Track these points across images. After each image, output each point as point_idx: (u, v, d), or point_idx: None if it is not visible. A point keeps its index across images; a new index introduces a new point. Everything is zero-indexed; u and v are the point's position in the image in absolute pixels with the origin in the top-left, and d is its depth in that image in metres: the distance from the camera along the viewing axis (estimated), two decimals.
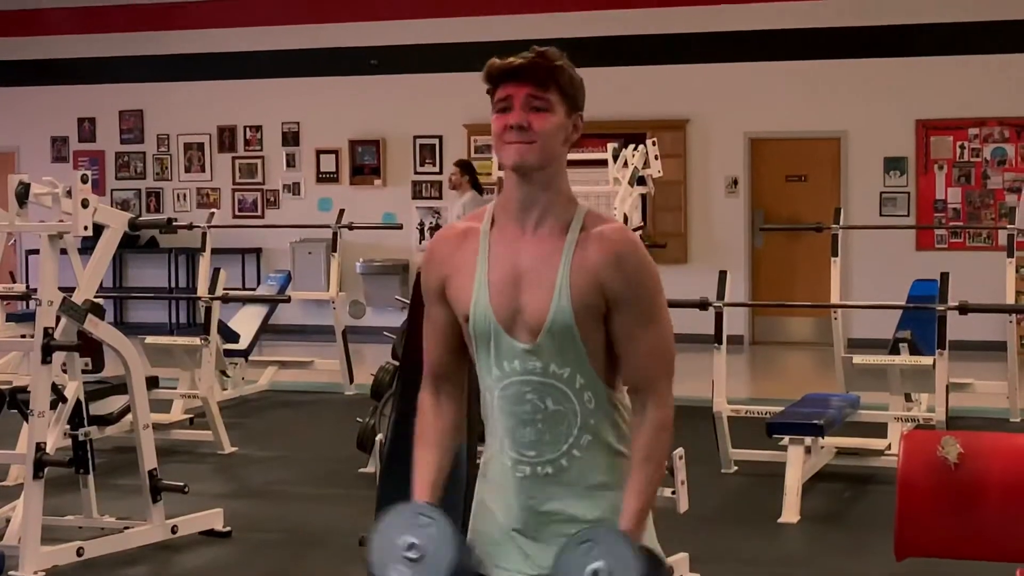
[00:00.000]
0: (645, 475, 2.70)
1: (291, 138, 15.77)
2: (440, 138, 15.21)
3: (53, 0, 15.99)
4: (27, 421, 5.97)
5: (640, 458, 2.71)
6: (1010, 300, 10.28)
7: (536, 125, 2.67)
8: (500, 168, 2.71)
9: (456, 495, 2.89)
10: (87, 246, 6.70)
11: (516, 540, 2.78)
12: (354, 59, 15.26)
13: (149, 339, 9.84)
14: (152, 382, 8.27)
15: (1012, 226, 10.74)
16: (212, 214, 11.87)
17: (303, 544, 6.81)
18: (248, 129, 15.93)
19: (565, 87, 2.70)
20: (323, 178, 15.67)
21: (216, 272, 9.69)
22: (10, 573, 5.83)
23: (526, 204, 2.73)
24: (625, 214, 9.40)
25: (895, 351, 8.75)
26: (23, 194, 6.41)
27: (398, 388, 4.39)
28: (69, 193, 6.11)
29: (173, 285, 16.00)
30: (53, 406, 6.01)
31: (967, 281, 9.55)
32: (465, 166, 13.10)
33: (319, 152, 15.68)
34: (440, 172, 15.18)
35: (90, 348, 7.35)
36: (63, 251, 6.20)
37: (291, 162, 15.79)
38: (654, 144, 10.10)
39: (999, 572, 4.28)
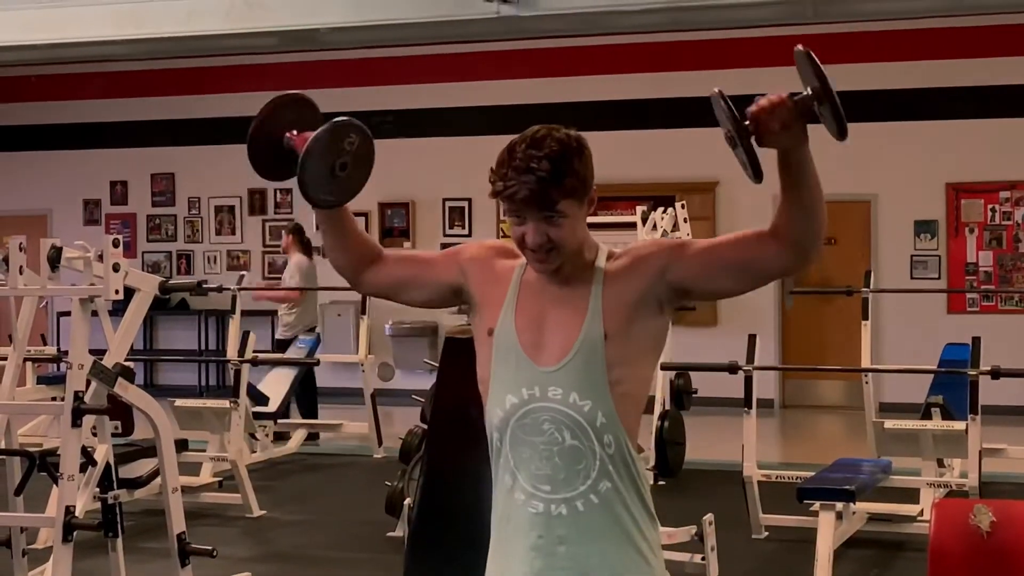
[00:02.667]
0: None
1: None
2: (469, 201, 15.26)
3: (86, 65, 16.14)
4: (56, 484, 5.97)
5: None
6: None
7: (554, 236, 2.67)
8: None
9: (485, 554, 2.85)
10: (118, 309, 6.72)
11: None
12: (382, 122, 15.34)
13: (179, 402, 9.86)
14: (181, 445, 8.28)
15: None
16: (242, 276, 11.93)
17: None
18: (279, 192, 16.02)
19: (573, 190, 2.67)
20: None
21: (246, 335, 9.71)
22: None
23: (554, 272, 2.76)
24: None
25: (927, 416, 8.69)
26: (55, 258, 6.44)
27: (426, 452, 4.38)
28: (100, 257, 6.13)
29: (203, 347, 16.04)
30: (83, 469, 6.01)
31: (999, 345, 9.51)
32: (296, 230, 13.06)
33: None
34: (470, 234, 15.23)
35: (120, 411, 7.35)
36: (94, 314, 6.22)
37: None
38: (683, 207, 10.11)
39: None
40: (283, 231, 13.53)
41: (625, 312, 2.68)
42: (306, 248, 12.76)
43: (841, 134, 2.57)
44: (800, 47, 2.53)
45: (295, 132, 2.87)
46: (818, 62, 2.51)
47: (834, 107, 2.54)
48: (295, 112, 2.93)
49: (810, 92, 2.53)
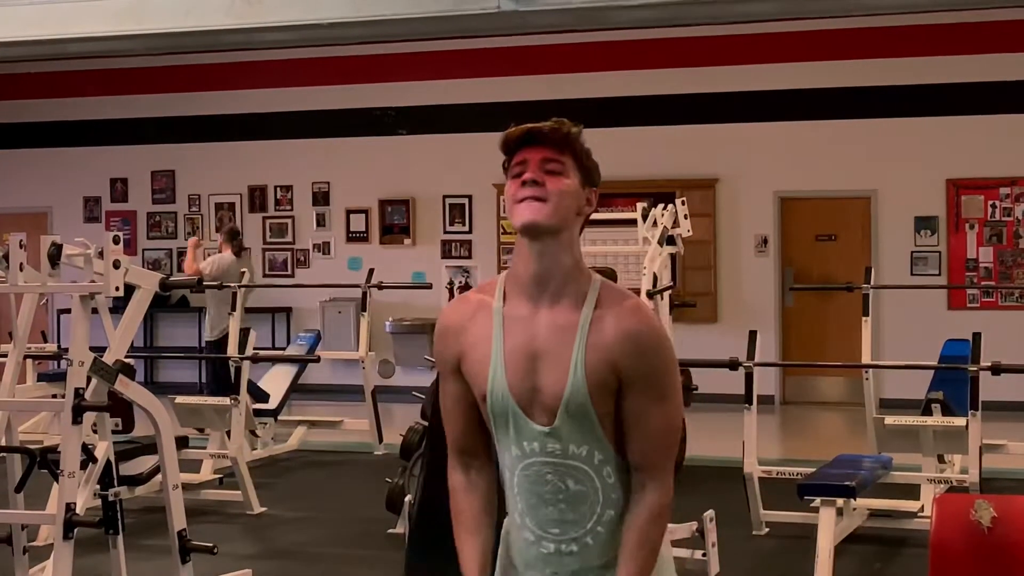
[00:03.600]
0: (639, 563, 2.68)
1: (321, 198, 15.85)
2: (469, 198, 15.25)
3: (86, 63, 16.13)
4: (57, 481, 5.97)
5: (634, 544, 2.68)
6: None
7: (550, 185, 2.67)
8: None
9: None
10: (118, 306, 6.73)
11: None
12: (384, 120, 15.35)
13: (179, 399, 9.85)
14: (182, 442, 8.28)
15: None
16: (243, 273, 11.92)
17: None
18: (279, 189, 16.03)
19: (580, 155, 2.71)
20: (353, 237, 15.72)
21: (246, 332, 9.71)
22: None
23: (540, 279, 2.70)
24: (655, 273, 9.39)
25: (927, 412, 8.69)
26: (55, 255, 6.43)
27: (427, 448, 4.38)
28: (101, 254, 6.13)
29: (203, 344, 16.03)
30: (83, 466, 6.01)
31: (1000, 340, 9.50)
32: (230, 233, 13.07)
33: (349, 212, 15.75)
34: (470, 231, 15.23)
35: (120, 408, 7.35)
36: (94, 311, 6.22)
37: (321, 222, 15.86)
38: (683, 203, 10.10)
39: None
40: (218, 232, 13.62)
41: (602, 369, 2.67)
42: (237, 249, 12.78)
43: None
44: None
45: None
46: None
47: None
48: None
49: None
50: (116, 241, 6.07)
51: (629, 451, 2.71)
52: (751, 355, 8.05)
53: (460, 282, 15.09)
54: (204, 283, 10.68)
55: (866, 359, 10.25)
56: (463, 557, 2.80)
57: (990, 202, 13.77)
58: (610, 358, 2.65)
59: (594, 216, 2.85)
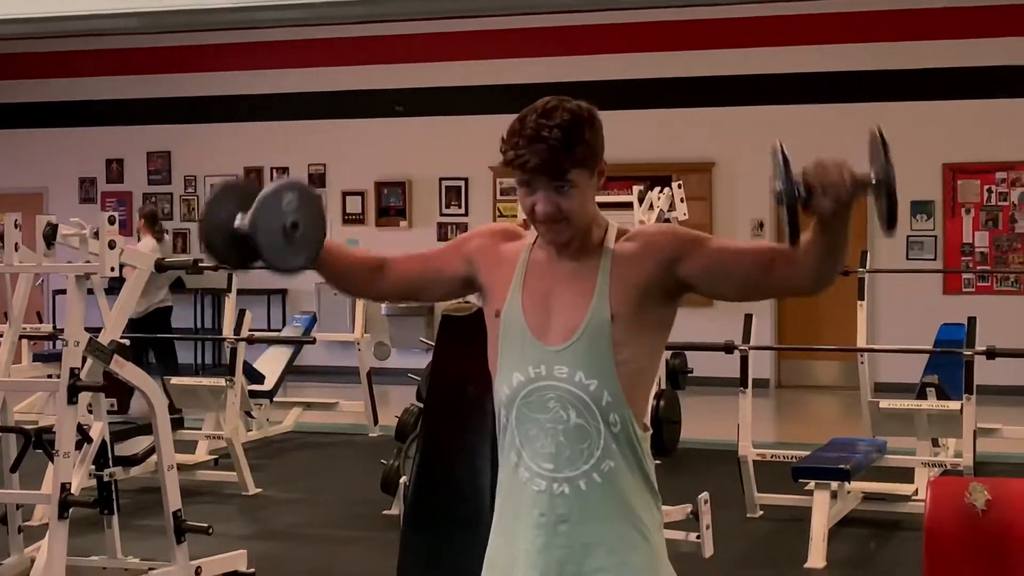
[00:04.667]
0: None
1: (317, 180, 15.84)
2: (466, 180, 15.24)
3: (81, 43, 16.11)
4: (52, 461, 5.97)
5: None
6: None
7: (564, 206, 2.67)
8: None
9: (480, 535, 2.86)
10: (114, 286, 6.73)
11: (528, 559, 2.71)
12: (380, 101, 15.33)
13: (174, 380, 9.85)
14: (177, 423, 8.28)
15: None
16: (277, 180, 11.89)
17: None
18: (275, 171, 16.00)
19: (584, 160, 2.67)
20: (349, 219, 15.71)
21: (241, 313, 9.71)
22: None
23: (563, 246, 2.75)
24: None
25: (922, 396, 8.71)
26: (51, 235, 6.43)
27: (422, 430, 4.38)
28: (96, 234, 6.13)
29: (199, 326, 16.04)
30: (78, 447, 6.01)
31: (995, 325, 9.52)
32: (148, 215, 13.07)
33: (345, 194, 15.73)
34: (466, 214, 15.23)
35: (116, 389, 7.36)
36: (90, 291, 6.22)
37: None
38: (680, 187, 10.09)
39: None
40: (138, 213, 13.63)
41: (632, 295, 2.67)
42: (158, 233, 12.77)
43: (889, 227, 2.59)
44: (875, 128, 2.51)
45: (240, 215, 2.83)
46: (890, 152, 2.48)
47: (891, 201, 2.56)
48: (234, 199, 2.88)
49: (873, 181, 2.49)
50: (111, 221, 6.07)
51: (754, 277, 2.67)
52: (746, 338, 8.06)
53: None
54: (200, 264, 10.68)
55: (861, 343, 10.26)
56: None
57: (986, 187, 13.78)
58: (652, 261, 2.68)
59: None
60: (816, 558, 7.03)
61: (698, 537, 5.92)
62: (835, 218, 2.55)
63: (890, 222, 2.54)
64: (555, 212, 2.66)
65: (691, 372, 10.50)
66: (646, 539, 2.71)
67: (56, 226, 6.49)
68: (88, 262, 6.25)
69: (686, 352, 10.23)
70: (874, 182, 2.50)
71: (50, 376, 8.90)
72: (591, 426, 2.67)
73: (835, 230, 2.58)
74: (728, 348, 8.03)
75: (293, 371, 11.96)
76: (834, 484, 7.51)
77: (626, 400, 2.68)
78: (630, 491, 2.70)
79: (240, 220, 2.82)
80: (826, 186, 2.52)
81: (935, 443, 8.78)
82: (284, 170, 15.92)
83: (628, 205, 9.99)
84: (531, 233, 2.83)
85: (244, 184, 2.93)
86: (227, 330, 10.20)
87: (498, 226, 2.93)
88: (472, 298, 3.26)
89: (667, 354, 9.97)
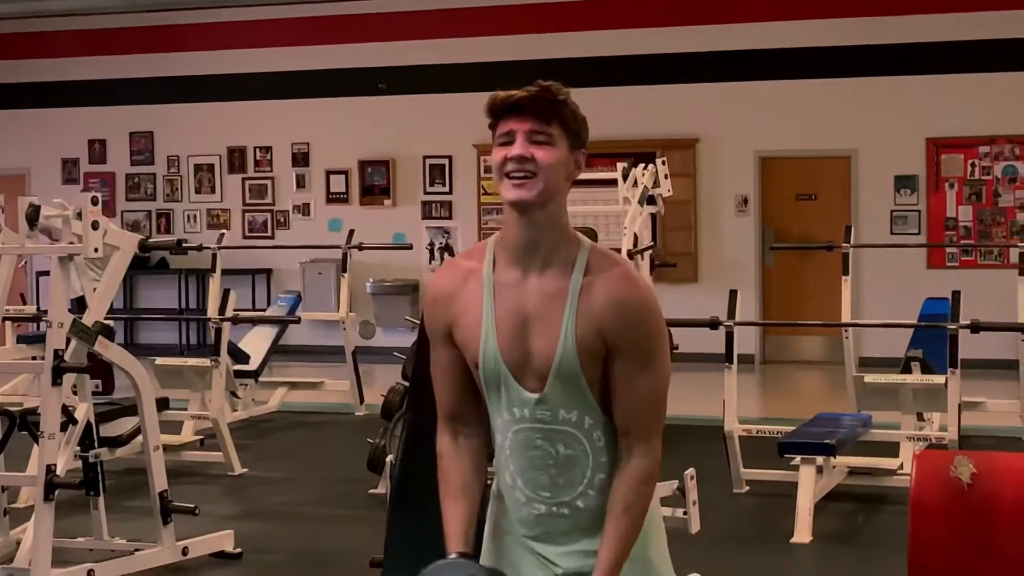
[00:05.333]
0: (622, 528, 2.68)
1: (301, 159, 15.80)
2: (450, 158, 15.22)
3: (64, 23, 16.03)
4: (37, 443, 5.96)
5: (619, 509, 2.68)
6: (1022, 318, 10.23)
7: (538, 157, 2.65)
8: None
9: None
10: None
11: (534, 548, 2.80)
12: (364, 80, 15.29)
13: (159, 360, 9.83)
14: (162, 403, 8.27)
15: (1023, 244, 10.71)
16: (222, 235, 11.87)
17: (314, 565, 6.80)
18: (258, 150, 15.97)
19: (568, 121, 2.68)
20: (333, 199, 15.69)
21: (226, 293, 9.69)
22: None
23: (530, 246, 2.69)
24: (635, 233, 9.38)
25: (907, 370, 8.72)
26: (33, 216, 6.41)
27: (408, 409, 4.38)
28: (79, 215, 6.11)
29: (183, 306, 16.01)
30: (63, 428, 6.00)
31: (979, 299, 9.53)
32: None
33: (329, 173, 15.70)
34: (450, 192, 15.21)
35: (100, 370, 7.35)
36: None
37: (301, 183, 15.81)
38: (664, 163, 10.09)
39: None
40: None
41: (592, 337, 2.66)
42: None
43: None
44: None
45: None
46: None
47: None
48: None
49: None
50: (95, 202, 6.05)
51: (616, 416, 2.71)
52: (731, 314, 8.06)
53: (440, 243, 15.08)
54: (183, 245, 10.66)
55: (846, 318, 10.28)
56: (447, 522, 2.78)
57: (970, 161, 13.79)
58: (599, 325, 2.65)
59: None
60: (802, 532, 7.05)
61: (685, 513, 5.93)
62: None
63: None
64: (529, 158, 2.64)
65: (676, 348, 10.45)
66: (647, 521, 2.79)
67: (39, 207, 6.47)
68: (71, 243, 6.23)
69: (671, 328, 10.22)
70: None
71: (34, 358, 8.87)
72: (579, 452, 2.73)
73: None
74: (713, 324, 8.04)
75: (278, 351, 11.95)
76: (819, 459, 7.53)
77: (604, 413, 2.73)
78: None
79: None
80: None
81: (920, 417, 8.80)
82: (267, 149, 15.87)
83: (612, 182, 9.99)
84: (480, 254, 2.77)
85: None
86: (211, 310, 10.19)
87: (439, 283, 2.82)
88: None
89: None
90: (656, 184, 9.85)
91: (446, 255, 14.44)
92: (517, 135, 2.66)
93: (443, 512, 2.81)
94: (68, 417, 6.07)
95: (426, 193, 15.38)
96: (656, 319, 2.70)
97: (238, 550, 6.79)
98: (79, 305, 6.28)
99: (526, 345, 2.68)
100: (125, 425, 8.16)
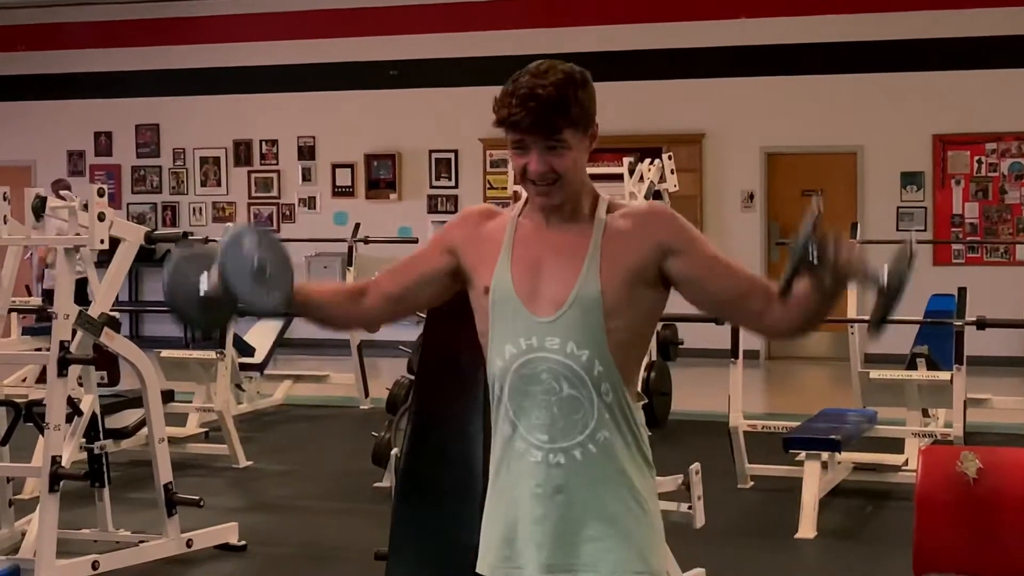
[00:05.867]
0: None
1: (307, 152, 15.80)
2: (456, 152, 15.22)
3: (70, 15, 16.03)
4: (43, 434, 5.97)
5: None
6: None
7: (556, 166, 2.65)
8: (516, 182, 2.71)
9: (472, 504, 2.86)
10: (103, 260, 6.70)
11: (526, 529, 2.71)
12: (370, 73, 15.29)
13: (164, 353, 9.84)
14: (167, 396, 8.27)
15: None
16: (228, 228, 11.87)
17: (318, 558, 6.80)
18: (264, 143, 15.97)
19: (577, 120, 2.66)
20: (339, 192, 15.69)
21: None
22: None
23: (554, 210, 2.73)
24: None
25: (912, 366, 8.72)
26: (39, 208, 6.41)
27: (413, 402, 4.38)
28: (85, 207, 6.11)
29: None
30: (69, 419, 6.01)
31: (985, 296, 9.53)
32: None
33: (335, 166, 15.70)
34: (456, 186, 15.21)
35: (106, 361, 7.36)
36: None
37: (307, 176, 15.81)
38: (670, 158, 10.08)
39: None
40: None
41: (621, 274, 2.66)
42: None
43: (876, 327, 2.65)
44: (910, 241, 2.56)
45: (204, 276, 2.79)
46: (913, 265, 2.55)
47: (889, 307, 2.59)
48: (191, 265, 2.83)
49: (885, 288, 2.55)
50: (101, 194, 6.06)
51: (730, 302, 2.71)
52: None
53: None
54: (189, 237, 10.65)
55: (851, 314, 10.26)
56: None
57: (976, 158, 13.78)
58: (641, 244, 2.66)
59: None
60: (807, 528, 7.05)
61: (689, 508, 5.92)
62: (830, 295, 2.60)
63: (880, 323, 2.61)
64: (548, 171, 2.65)
65: (682, 343, 10.51)
66: (642, 507, 2.72)
67: (45, 199, 6.47)
68: (77, 235, 6.23)
69: (677, 323, 10.23)
70: (886, 289, 2.51)
71: (40, 349, 8.88)
72: (583, 396, 2.66)
73: (826, 302, 2.63)
74: (719, 319, 8.02)
75: (283, 344, 11.95)
76: (825, 454, 7.53)
77: (617, 369, 2.68)
78: (625, 460, 2.70)
79: (207, 281, 2.77)
80: (839, 267, 2.53)
81: (925, 413, 8.80)
82: (273, 142, 15.87)
83: (618, 177, 9.98)
84: (513, 207, 2.81)
85: (195, 249, 2.89)
86: None
87: (475, 209, 2.89)
88: None
89: (658, 325, 9.96)
90: (662, 179, 9.85)
91: None
92: (531, 150, 2.65)
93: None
94: (73, 409, 6.08)
95: (432, 187, 15.37)
96: (682, 219, 2.73)
97: (242, 542, 6.79)
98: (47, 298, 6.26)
99: (540, 282, 2.69)
100: (130, 417, 8.17)
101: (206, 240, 11.06)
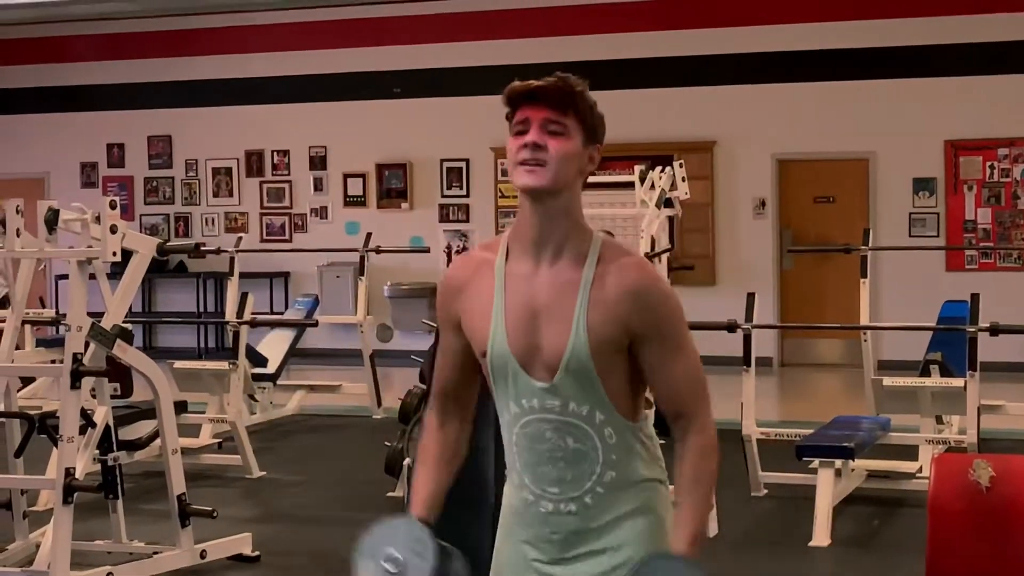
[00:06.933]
0: (695, 500, 2.68)
1: (318, 162, 15.82)
2: (467, 161, 15.23)
3: (81, 28, 16.08)
4: (56, 446, 5.98)
5: (688, 482, 2.69)
6: None
7: (552, 147, 2.65)
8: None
9: (483, 516, 2.86)
10: (116, 271, 6.72)
11: (539, 569, 2.76)
12: (381, 83, 15.31)
13: (177, 364, 9.85)
14: (180, 407, 8.28)
15: None
16: (240, 238, 11.91)
17: (331, 569, 6.79)
18: (276, 154, 15.99)
19: (584, 114, 2.68)
20: (350, 202, 15.70)
21: (244, 296, 9.71)
22: None
23: (542, 237, 2.69)
24: (652, 236, 9.38)
25: (926, 373, 8.70)
26: (52, 220, 6.43)
27: (425, 412, 4.38)
28: (98, 219, 6.13)
29: (201, 310, 16.05)
30: (82, 431, 6.02)
31: (998, 302, 9.51)
32: None
33: (346, 176, 15.72)
34: (467, 195, 15.22)
35: (119, 373, 7.36)
36: (92, 276, 6.22)
37: (319, 186, 15.83)
38: (681, 166, 10.08)
39: None
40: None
41: (606, 338, 2.66)
42: None
43: None
44: None
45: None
46: None
47: None
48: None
49: None
50: (113, 206, 6.07)
51: (660, 403, 2.73)
52: (749, 317, 8.05)
53: (458, 246, 15.08)
54: (202, 248, 10.68)
55: (864, 321, 10.25)
56: (415, 488, 2.82)
57: (988, 163, 13.75)
58: (616, 316, 2.65)
59: (591, 179, 2.82)
60: (820, 536, 7.04)
61: None
62: None
63: None
64: (542, 145, 2.65)
65: None
66: (658, 515, 2.76)
67: (58, 211, 6.49)
68: (90, 247, 6.25)
69: (689, 332, 10.21)
70: None
71: (53, 361, 8.90)
72: (588, 447, 2.70)
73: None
74: (731, 327, 8.02)
75: (296, 354, 11.98)
76: (838, 462, 7.51)
77: (617, 412, 2.71)
78: (635, 484, 2.74)
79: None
80: None
81: (939, 420, 8.78)
82: (285, 152, 15.90)
83: (630, 185, 9.98)
84: (496, 246, 2.78)
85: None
86: (230, 313, 10.22)
87: (453, 272, 2.84)
88: None
89: None
90: (673, 187, 9.84)
91: None
92: (532, 123, 2.66)
93: (414, 480, 2.85)
94: (87, 420, 6.09)
95: (443, 196, 15.38)
96: (672, 300, 2.72)
97: (256, 553, 6.80)
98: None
99: (536, 336, 2.68)
100: (143, 428, 8.18)
101: (218, 251, 11.11)
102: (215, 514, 6.66)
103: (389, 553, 2.68)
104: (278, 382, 11.34)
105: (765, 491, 8.07)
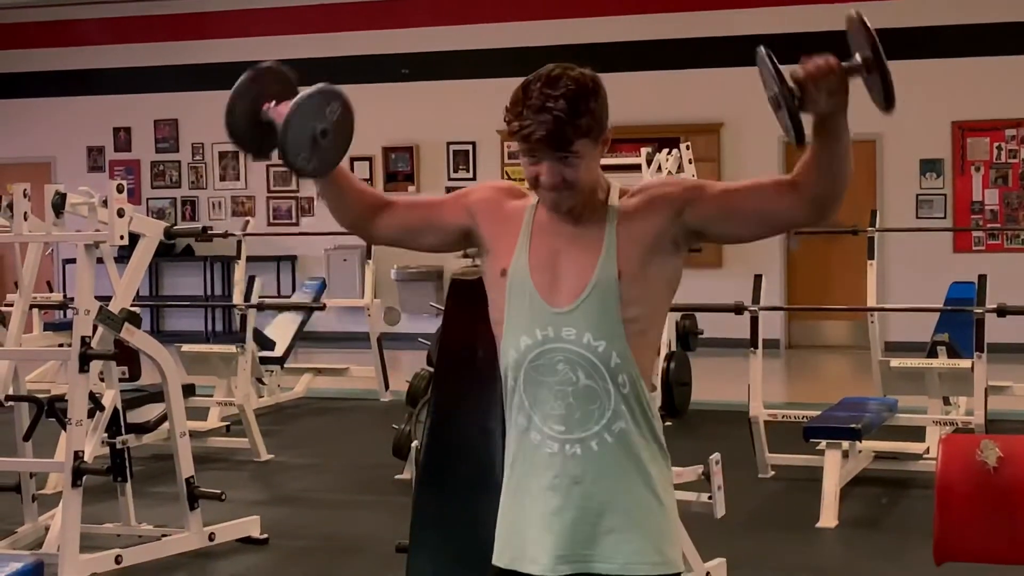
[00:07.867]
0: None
1: None
2: (474, 144, 15.22)
3: (88, 11, 16.07)
4: (65, 430, 5.99)
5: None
6: None
7: (569, 176, 2.64)
8: None
9: (491, 498, 2.86)
10: (123, 255, 6.73)
11: (543, 521, 2.70)
12: (387, 66, 15.30)
13: (185, 347, 9.87)
14: (188, 390, 8.30)
15: None
16: (247, 222, 11.90)
17: (340, 551, 6.82)
18: None
19: (589, 130, 2.64)
20: None
21: (251, 280, 9.72)
22: None
23: (568, 211, 2.73)
24: None
25: (933, 354, 8.70)
26: (60, 204, 6.44)
27: (433, 395, 4.38)
28: (105, 203, 6.13)
29: (209, 293, 16.06)
30: (91, 415, 6.04)
31: (1005, 283, 9.50)
32: None
33: (353, 159, 15.69)
34: (474, 178, 15.20)
35: (127, 357, 7.38)
36: (99, 260, 6.23)
37: None
38: (688, 148, 10.07)
39: None
40: None
41: (640, 251, 2.67)
42: None
43: (888, 105, 2.58)
44: (853, 12, 2.49)
45: (273, 103, 2.84)
46: (872, 30, 2.47)
47: (884, 78, 2.54)
48: (271, 84, 2.92)
49: (860, 61, 2.48)
50: (120, 190, 6.07)
51: (755, 201, 2.70)
52: (756, 299, 8.05)
53: None
54: (209, 232, 10.68)
55: (871, 302, 10.25)
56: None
57: (996, 144, 13.73)
58: (651, 219, 2.68)
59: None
60: (828, 517, 7.04)
61: (710, 498, 5.91)
62: (832, 117, 2.59)
63: (888, 100, 2.56)
64: (559, 182, 2.65)
65: (702, 333, 10.50)
66: (658, 498, 2.72)
67: (65, 195, 6.50)
68: (97, 231, 6.26)
69: (696, 314, 10.23)
70: (861, 61, 2.48)
71: (61, 345, 8.91)
72: (600, 387, 2.66)
73: (833, 134, 2.62)
74: (738, 309, 8.02)
75: (304, 337, 11.99)
76: (845, 444, 7.51)
77: (634, 360, 2.67)
78: (641, 450, 2.70)
79: (271, 108, 2.85)
80: (818, 80, 2.53)
81: (946, 402, 8.78)
82: None
83: (636, 167, 9.97)
84: (532, 194, 2.81)
85: (281, 75, 2.99)
86: (237, 297, 10.22)
87: (503, 183, 2.90)
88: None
89: (677, 315, 9.97)
90: (680, 169, 9.84)
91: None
92: (544, 166, 2.65)
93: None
94: (95, 404, 6.10)
95: (450, 179, 15.37)
96: (683, 176, 2.81)
97: (264, 535, 6.81)
98: None
99: (556, 272, 2.69)
100: (152, 412, 8.20)
101: (225, 234, 11.12)
102: (223, 497, 6.68)
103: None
104: (286, 365, 11.35)
105: (772, 473, 8.08)
